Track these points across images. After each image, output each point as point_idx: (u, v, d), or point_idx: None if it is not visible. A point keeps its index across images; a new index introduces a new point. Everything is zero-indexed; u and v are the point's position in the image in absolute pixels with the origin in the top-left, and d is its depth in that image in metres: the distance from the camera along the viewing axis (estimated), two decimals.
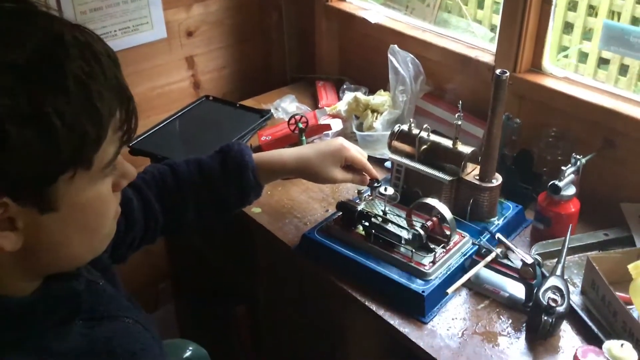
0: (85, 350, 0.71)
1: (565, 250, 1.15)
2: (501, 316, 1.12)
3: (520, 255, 1.12)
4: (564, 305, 1.05)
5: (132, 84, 1.95)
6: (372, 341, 1.30)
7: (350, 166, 1.24)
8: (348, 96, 1.66)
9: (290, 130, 1.53)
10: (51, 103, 0.58)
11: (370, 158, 1.34)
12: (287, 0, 1.97)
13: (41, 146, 0.58)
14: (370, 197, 1.27)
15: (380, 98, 1.64)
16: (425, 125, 1.33)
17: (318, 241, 1.24)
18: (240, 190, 1.15)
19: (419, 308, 1.11)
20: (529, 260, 1.10)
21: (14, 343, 0.66)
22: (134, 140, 1.55)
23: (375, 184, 1.25)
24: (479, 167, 1.28)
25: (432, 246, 1.18)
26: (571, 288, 1.12)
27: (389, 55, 1.60)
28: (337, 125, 1.61)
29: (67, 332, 0.71)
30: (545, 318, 1.03)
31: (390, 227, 1.19)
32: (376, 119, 1.59)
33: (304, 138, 1.52)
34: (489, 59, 1.51)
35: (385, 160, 1.51)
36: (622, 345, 0.94)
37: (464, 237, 1.22)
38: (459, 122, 1.25)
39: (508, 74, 1.18)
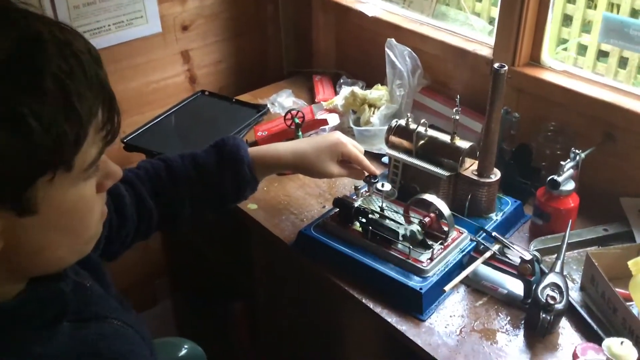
0: (71, 353, 0.70)
1: (564, 246, 1.13)
2: (499, 313, 1.11)
3: (519, 251, 1.11)
4: (563, 303, 1.04)
5: (126, 79, 1.93)
6: (369, 338, 1.29)
7: (347, 160, 1.23)
8: (345, 90, 1.65)
9: (286, 125, 1.52)
10: (27, 104, 0.56)
11: (367, 153, 1.32)
12: None
13: (16, 148, 0.56)
14: (368, 193, 1.26)
15: (378, 92, 1.62)
16: (422, 120, 1.32)
17: (315, 238, 1.23)
18: (235, 185, 1.14)
19: (416, 305, 1.10)
20: (528, 257, 1.09)
21: None
22: (129, 136, 1.54)
23: (373, 180, 1.23)
24: (477, 162, 1.27)
25: (429, 242, 1.17)
26: (570, 284, 1.11)
27: (386, 48, 1.58)
28: (334, 120, 1.60)
29: (53, 334, 0.69)
30: (544, 315, 1.02)
31: (387, 223, 1.18)
32: (373, 113, 1.58)
33: (300, 133, 1.51)
34: (487, 52, 1.49)
35: (383, 155, 1.50)
36: (621, 342, 0.93)
37: (462, 233, 1.21)
38: (457, 117, 1.24)
39: (506, 67, 1.17)
